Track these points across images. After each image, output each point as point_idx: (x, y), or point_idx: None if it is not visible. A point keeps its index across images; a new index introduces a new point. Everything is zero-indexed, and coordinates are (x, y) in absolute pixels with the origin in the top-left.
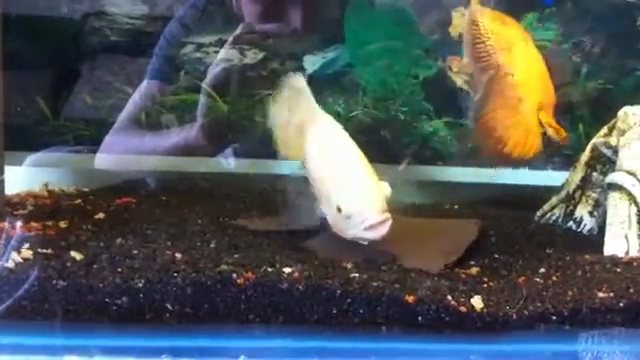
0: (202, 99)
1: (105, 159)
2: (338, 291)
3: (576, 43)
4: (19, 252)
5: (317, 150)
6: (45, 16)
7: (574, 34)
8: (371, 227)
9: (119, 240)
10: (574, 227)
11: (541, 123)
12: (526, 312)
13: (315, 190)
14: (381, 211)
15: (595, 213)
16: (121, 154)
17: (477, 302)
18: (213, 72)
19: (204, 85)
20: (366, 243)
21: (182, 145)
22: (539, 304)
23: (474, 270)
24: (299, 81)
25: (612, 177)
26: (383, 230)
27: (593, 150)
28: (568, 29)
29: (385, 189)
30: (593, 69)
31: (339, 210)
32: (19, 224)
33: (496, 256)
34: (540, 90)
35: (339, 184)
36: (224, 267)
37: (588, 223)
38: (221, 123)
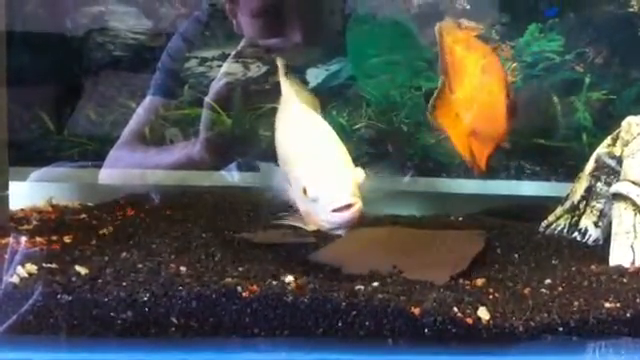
0: (205, 113)
1: (109, 174)
2: (343, 303)
3: (579, 54)
4: (24, 267)
5: (286, 132)
6: (49, 31)
7: (577, 45)
8: (338, 210)
9: (124, 254)
10: (579, 238)
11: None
12: (532, 323)
13: (285, 175)
14: (349, 195)
15: (600, 223)
16: (125, 169)
17: (483, 313)
18: (216, 86)
19: (207, 99)
20: (341, 233)
21: (186, 159)
22: (545, 315)
23: (480, 281)
24: (279, 61)
25: (617, 187)
26: (350, 214)
27: (597, 160)
28: (571, 40)
29: (357, 175)
30: (596, 79)
31: (305, 192)
32: (24, 239)
33: (502, 267)
34: (478, 118)
35: (306, 166)
36: (229, 280)
37: (593, 234)
38: (224, 137)
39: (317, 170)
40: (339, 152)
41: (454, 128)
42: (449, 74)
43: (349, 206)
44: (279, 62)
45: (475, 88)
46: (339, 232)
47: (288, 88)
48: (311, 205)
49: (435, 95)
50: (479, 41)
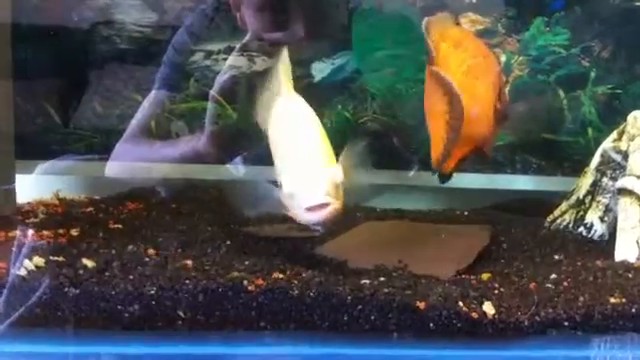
0: (210, 106)
1: (115, 167)
2: (349, 297)
3: (585, 47)
4: (31, 260)
5: (273, 125)
6: (55, 25)
7: (583, 38)
8: (311, 209)
9: (130, 247)
10: (585, 233)
11: None
12: (538, 318)
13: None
14: (323, 194)
15: (606, 218)
16: (131, 162)
17: (489, 308)
18: (221, 80)
19: (213, 92)
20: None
21: (191, 153)
22: (551, 310)
23: (485, 276)
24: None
25: (622, 182)
26: (323, 214)
27: (603, 155)
28: (577, 33)
29: (335, 174)
30: (602, 73)
31: (281, 187)
32: (31, 232)
33: (507, 262)
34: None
35: (286, 161)
36: (235, 274)
37: (599, 229)
38: (230, 130)
39: (294, 167)
40: (320, 149)
41: (435, 124)
42: (428, 70)
43: (324, 205)
44: (277, 53)
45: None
46: (317, 227)
47: (280, 79)
48: (288, 200)
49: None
50: (476, 39)
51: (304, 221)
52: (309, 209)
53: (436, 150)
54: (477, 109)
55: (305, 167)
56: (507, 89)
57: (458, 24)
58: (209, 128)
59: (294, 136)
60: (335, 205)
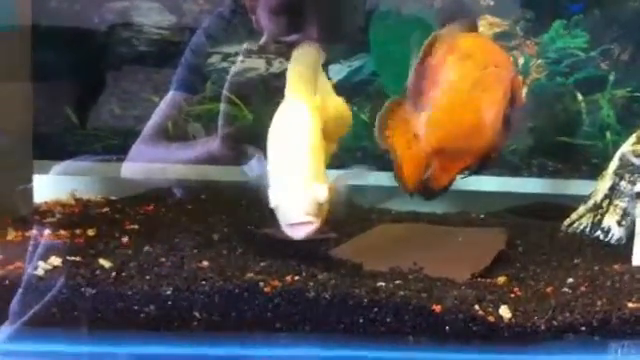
0: (224, 108)
1: (131, 168)
2: (365, 300)
3: (604, 50)
4: (48, 260)
5: (271, 130)
6: (74, 26)
7: (602, 41)
8: (291, 226)
9: (147, 248)
10: (602, 237)
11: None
12: (555, 322)
13: None
14: (304, 213)
15: (623, 223)
16: (147, 163)
17: (505, 312)
18: (238, 81)
19: (228, 93)
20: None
21: (206, 155)
22: (568, 314)
23: (501, 280)
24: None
25: None
26: (302, 233)
27: (621, 159)
28: (596, 36)
29: (320, 193)
30: (621, 76)
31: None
32: (48, 232)
33: (523, 266)
34: (450, 135)
35: (274, 173)
36: (251, 275)
37: (616, 233)
38: (244, 133)
39: (280, 180)
40: (308, 165)
41: (407, 149)
42: (422, 90)
43: (304, 223)
44: (293, 54)
45: (455, 105)
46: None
47: (290, 82)
48: (275, 211)
49: (383, 114)
50: (489, 46)
51: (287, 234)
52: (289, 225)
53: (446, 167)
54: (479, 122)
55: (290, 183)
56: (525, 92)
57: (475, 28)
58: (223, 130)
59: (284, 147)
60: (315, 224)
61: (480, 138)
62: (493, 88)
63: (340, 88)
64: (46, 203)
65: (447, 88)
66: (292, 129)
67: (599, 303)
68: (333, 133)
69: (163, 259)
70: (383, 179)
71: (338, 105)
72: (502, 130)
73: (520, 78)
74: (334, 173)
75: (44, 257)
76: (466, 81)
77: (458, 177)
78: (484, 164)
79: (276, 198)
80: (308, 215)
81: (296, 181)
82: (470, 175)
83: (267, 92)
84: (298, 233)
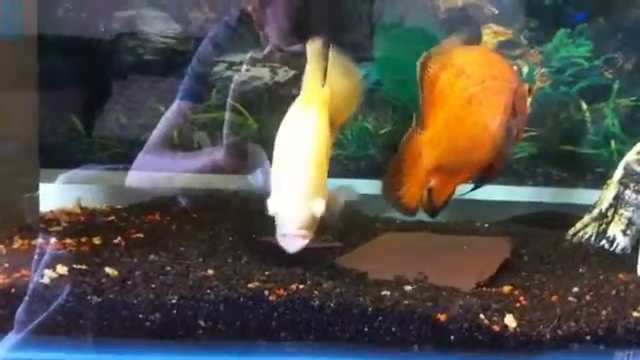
0: (231, 117)
1: (137, 177)
2: (370, 309)
3: (608, 59)
4: (54, 268)
5: (278, 135)
6: (80, 35)
7: (606, 50)
8: (284, 236)
9: (152, 257)
10: (607, 246)
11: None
12: (560, 331)
13: None
14: (297, 227)
15: (628, 232)
16: (152, 172)
17: (510, 321)
18: (243, 90)
19: (233, 102)
20: None
21: (211, 165)
22: (573, 323)
23: (507, 289)
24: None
25: None
26: (294, 246)
27: (626, 168)
28: (600, 45)
29: (316, 207)
30: (625, 85)
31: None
32: (53, 240)
33: (528, 275)
34: (447, 151)
35: (275, 180)
36: (256, 284)
37: (621, 242)
38: (249, 142)
39: (279, 189)
40: (311, 179)
41: (414, 169)
42: (424, 110)
43: (296, 236)
44: (309, 47)
45: (451, 121)
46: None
47: (307, 81)
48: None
49: (404, 139)
50: (486, 58)
51: (279, 243)
52: (282, 235)
53: (444, 184)
54: (477, 138)
55: (289, 194)
56: (529, 100)
57: (479, 38)
58: (227, 139)
59: (289, 155)
60: (307, 239)
61: (479, 152)
62: (491, 101)
63: None
64: (52, 212)
65: (442, 106)
66: (299, 137)
67: (604, 312)
68: (343, 110)
69: (168, 267)
70: None
71: (348, 83)
72: (505, 141)
73: (526, 86)
74: (335, 182)
75: (50, 265)
76: (461, 98)
77: (462, 193)
78: (487, 176)
79: (274, 206)
80: (302, 229)
81: (296, 193)
82: (475, 189)
83: (272, 101)
84: (289, 247)
